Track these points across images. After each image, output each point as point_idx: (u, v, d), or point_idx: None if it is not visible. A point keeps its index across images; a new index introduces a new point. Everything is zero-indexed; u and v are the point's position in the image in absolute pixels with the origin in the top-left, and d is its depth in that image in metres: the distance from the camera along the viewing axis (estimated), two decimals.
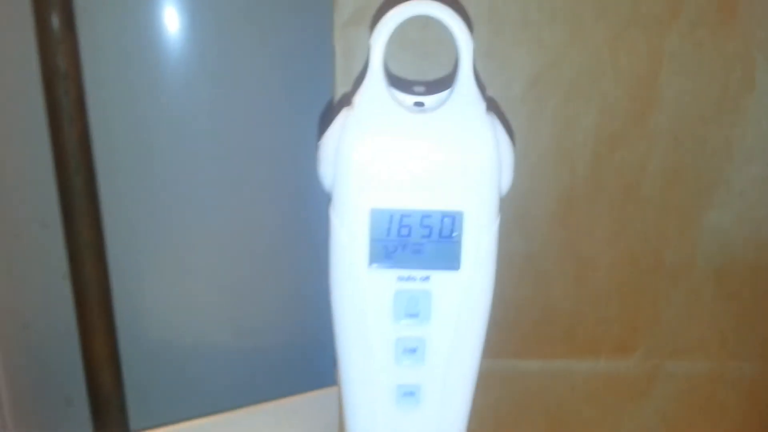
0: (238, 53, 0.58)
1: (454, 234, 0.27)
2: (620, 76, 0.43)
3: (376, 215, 0.27)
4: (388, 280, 0.27)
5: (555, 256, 0.46)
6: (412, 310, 0.28)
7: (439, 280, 0.27)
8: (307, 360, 0.65)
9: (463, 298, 0.28)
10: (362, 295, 0.27)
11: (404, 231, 0.27)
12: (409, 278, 0.27)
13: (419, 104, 0.27)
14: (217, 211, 0.61)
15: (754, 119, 0.44)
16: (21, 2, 0.52)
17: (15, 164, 0.59)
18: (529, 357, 0.47)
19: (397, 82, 0.27)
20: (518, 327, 0.47)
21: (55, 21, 0.52)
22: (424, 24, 0.32)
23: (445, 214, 0.27)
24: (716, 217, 0.46)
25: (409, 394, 0.28)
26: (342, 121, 0.26)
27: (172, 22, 0.56)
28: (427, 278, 0.27)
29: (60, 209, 0.57)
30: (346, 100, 0.26)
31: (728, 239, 0.46)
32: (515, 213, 0.44)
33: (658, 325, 0.47)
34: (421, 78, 0.35)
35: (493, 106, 0.27)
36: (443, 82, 0.26)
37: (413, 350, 0.28)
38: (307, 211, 0.60)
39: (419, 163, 0.26)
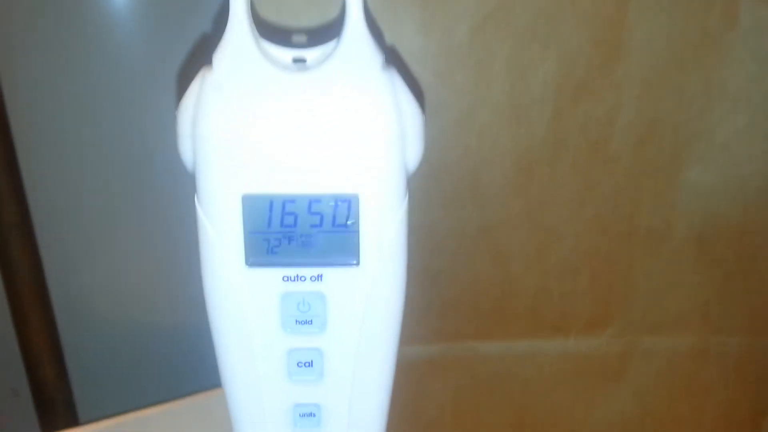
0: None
1: (350, 222, 0.22)
2: (582, 18, 0.37)
3: (251, 203, 0.21)
4: (272, 281, 0.22)
5: (514, 228, 0.40)
6: (304, 316, 0.22)
7: (335, 278, 0.22)
8: None
9: (365, 300, 0.22)
10: (241, 302, 0.22)
11: (288, 220, 0.21)
12: (297, 278, 0.22)
13: (300, 60, 0.21)
14: (145, 188, 0.56)
15: (737, 61, 0.38)
16: None
17: None
18: (489, 338, 0.43)
19: (271, 33, 0.21)
20: (476, 306, 0.42)
21: None
22: None
23: (337, 198, 0.21)
24: (696, 175, 0.40)
25: (307, 415, 0.23)
26: (199, 85, 0.21)
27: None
28: (319, 277, 0.22)
29: None
30: (206, 58, 0.20)
31: (710, 199, 0.41)
32: (466, 181, 0.39)
33: (633, 298, 0.42)
34: (305, 26, 0.29)
35: (393, 60, 0.21)
36: (330, 31, 0.21)
37: (309, 363, 0.22)
38: None
39: (300, 136, 0.21)
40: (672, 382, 0.44)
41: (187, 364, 0.61)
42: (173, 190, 0.54)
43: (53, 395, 0.61)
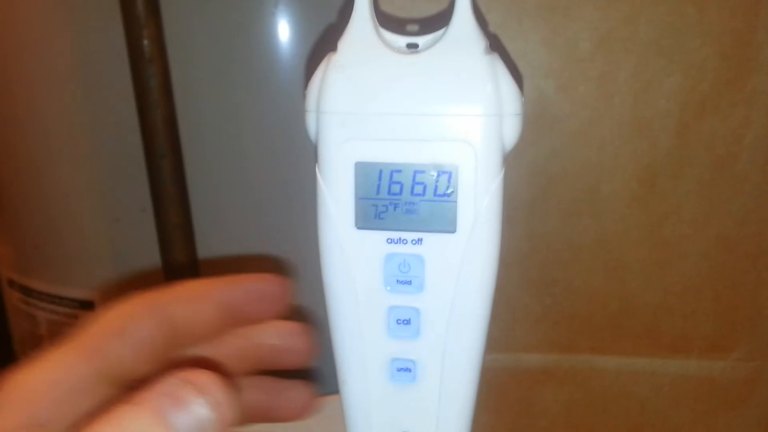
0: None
1: (449, 192, 0.24)
2: (709, 32, 0.37)
3: (362, 170, 0.24)
4: (377, 243, 0.24)
5: (632, 242, 0.41)
6: (405, 276, 0.25)
7: (433, 243, 0.24)
8: None
9: (460, 265, 0.24)
10: (350, 260, 0.25)
11: (395, 188, 0.24)
12: (399, 241, 0.24)
13: (412, 45, 0.24)
14: (301, 196, 0.60)
15: None
16: None
17: (117, 149, 0.62)
18: (605, 353, 0.43)
19: (388, 22, 0.24)
20: (592, 319, 0.42)
21: (140, 5, 0.54)
22: None
23: (439, 169, 0.24)
24: None
25: (404, 369, 0.25)
26: (324, 67, 0.24)
27: (256, 4, 0.56)
28: (419, 241, 0.24)
29: (150, 193, 0.59)
30: (331, 45, 0.24)
31: None
32: (585, 192, 0.40)
33: (761, 321, 0.41)
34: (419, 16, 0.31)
35: (496, 46, 0.24)
36: (440, 20, 0.23)
37: (407, 321, 0.25)
38: None
39: (410, 111, 0.23)
40: None
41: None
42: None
43: None
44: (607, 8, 0.37)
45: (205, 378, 0.21)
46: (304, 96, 0.25)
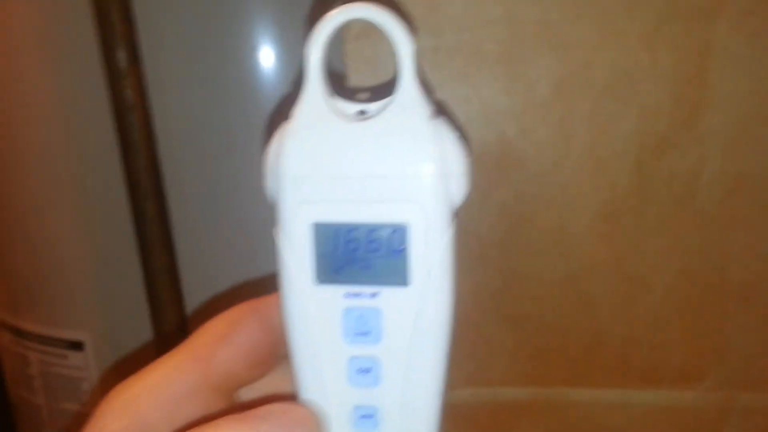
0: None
1: (401, 248, 0.25)
2: (661, 76, 0.39)
3: (320, 230, 0.25)
4: (336, 297, 0.26)
5: (600, 277, 0.42)
6: (363, 328, 0.26)
7: (389, 296, 0.26)
8: None
9: (414, 315, 0.25)
10: (311, 314, 0.26)
11: (352, 246, 0.25)
12: (357, 295, 0.26)
13: (362, 112, 0.26)
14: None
15: None
16: (88, 39, 0.55)
17: (103, 193, 0.63)
18: (579, 385, 0.44)
19: (341, 90, 0.26)
20: (565, 353, 0.43)
21: (121, 56, 0.55)
22: None
23: (392, 227, 0.25)
24: None
25: (366, 416, 0.26)
26: (280, 134, 0.26)
27: (234, 51, 0.58)
28: (375, 295, 0.26)
29: (134, 235, 0.60)
30: (286, 113, 0.25)
31: None
32: (551, 230, 0.41)
33: (728, 351, 0.42)
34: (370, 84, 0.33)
35: (442, 111, 0.25)
36: (389, 87, 0.25)
37: (367, 370, 0.26)
38: None
39: (362, 174, 0.25)
40: None
41: None
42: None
43: None
44: (563, 56, 0.39)
45: (312, 424, 0.23)
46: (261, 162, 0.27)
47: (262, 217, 0.61)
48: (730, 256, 0.41)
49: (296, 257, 0.26)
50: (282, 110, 0.25)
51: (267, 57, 0.58)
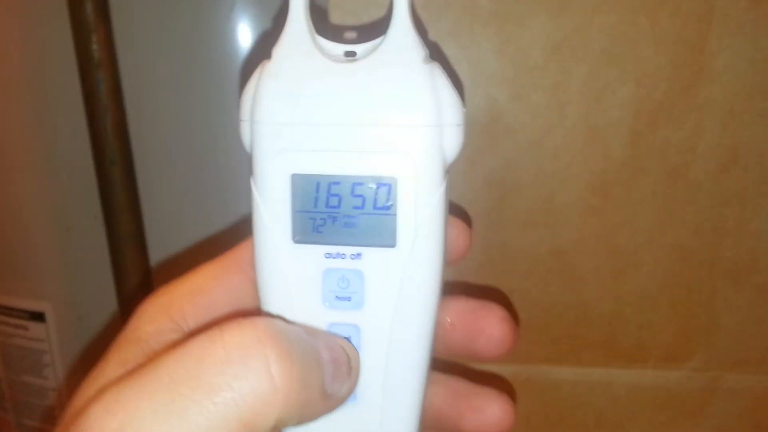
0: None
1: (389, 204, 0.23)
2: (661, 41, 0.37)
3: (299, 182, 0.23)
4: (315, 257, 0.24)
5: (588, 251, 0.40)
6: (343, 292, 0.24)
7: (373, 258, 0.23)
8: None
9: (400, 280, 0.23)
10: (288, 275, 0.24)
11: (333, 201, 0.23)
12: (338, 255, 0.23)
13: (350, 53, 0.23)
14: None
15: None
16: None
17: (67, 156, 0.60)
18: (562, 364, 0.42)
19: (327, 30, 0.23)
20: (548, 330, 0.42)
21: (89, 9, 0.52)
22: None
23: (378, 182, 0.23)
24: None
25: None
26: (258, 75, 0.23)
27: (207, 7, 0.55)
28: (358, 255, 0.23)
29: (100, 200, 0.57)
30: (267, 52, 0.23)
31: None
32: (539, 202, 0.39)
33: (717, 331, 0.41)
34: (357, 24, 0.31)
35: (437, 55, 0.23)
36: (379, 28, 0.22)
37: (346, 339, 0.24)
38: None
39: (347, 121, 0.23)
40: (756, 423, 0.41)
41: None
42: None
43: None
44: (560, 17, 0.37)
45: (356, 362, 0.22)
46: (237, 105, 0.24)
47: (232, 183, 0.58)
48: (723, 232, 0.40)
49: (272, 213, 0.23)
50: (261, 49, 0.22)
51: (241, 16, 0.55)
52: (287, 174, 0.23)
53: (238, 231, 0.58)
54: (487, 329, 0.25)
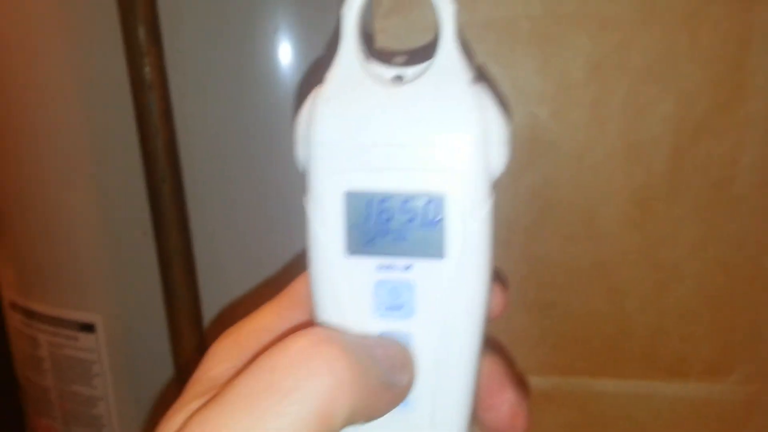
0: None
1: (438, 219, 0.24)
2: (701, 59, 0.37)
3: (352, 199, 0.24)
4: (368, 269, 0.25)
5: (630, 265, 0.41)
6: (395, 302, 0.25)
7: (423, 269, 0.24)
8: None
9: (449, 290, 0.24)
10: (341, 287, 0.25)
11: (384, 216, 0.24)
12: (390, 267, 0.25)
13: (398, 77, 0.25)
14: (300, 221, 0.60)
15: None
16: (109, 17, 0.55)
17: (119, 174, 0.63)
18: (603, 376, 0.43)
19: (377, 54, 0.25)
20: (590, 342, 0.42)
21: (141, 33, 0.54)
22: None
23: (428, 197, 0.24)
24: None
25: None
26: (312, 99, 0.25)
27: (254, 31, 0.57)
28: (409, 267, 0.25)
29: (150, 216, 0.59)
30: (320, 76, 0.24)
31: None
32: (580, 216, 0.40)
33: (759, 344, 0.41)
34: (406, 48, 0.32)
35: (483, 76, 0.24)
36: (427, 52, 0.24)
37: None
38: None
39: (397, 141, 0.24)
40: None
41: None
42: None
43: None
44: (600, 36, 0.37)
45: (409, 355, 0.24)
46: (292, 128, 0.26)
47: (279, 198, 0.60)
48: (765, 245, 0.40)
49: (327, 227, 0.25)
50: (314, 74, 0.24)
51: (287, 39, 0.57)
52: (341, 192, 0.24)
53: (284, 247, 0.60)
54: (496, 410, 0.27)
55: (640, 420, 0.43)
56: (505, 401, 0.27)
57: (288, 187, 0.59)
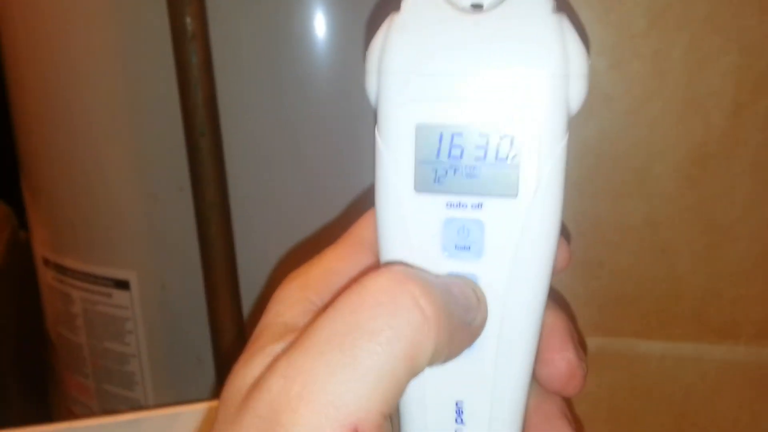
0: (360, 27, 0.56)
1: (512, 155, 0.23)
2: (766, 10, 0.36)
3: (423, 132, 0.24)
4: (437, 207, 0.24)
5: (683, 224, 0.40)
6: (463, 242, 0.24)
7: (494, 208, 0.24)
8: None
9: (521, 231, 0.24)
10: (408, 224, 0.24)
11: (455, 152, 0.24)
12: (459, 205, 0.24)
13: (477, 5, 0.24)
14: (335, 177, 0.60)
15: None
16: None
17: (156, 128, 0.62)
18: (650, 338, 0.42)
19: None
20: (638, 303, 0.42)
21: None
22: None
23: (501, 133, 0.23)
24: None
25: None
26: (387, 26, 0.24)
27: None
28: (479, 206, 0.24)
29: (189, 171, 0.59)
30: (395, 4, 0.24)
31: None
32: (634, 173, 0.39)
33: None
34: None
35: (564, 7, 0.23)
36: None
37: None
38: None
39: (474, 72, 0.23)
40: None
41: None
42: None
43: (230, 363, 0.65)
44: None
45: (481, 293, 0.24)
46: (363, 58, 0.25)
47: (316, 153, 0.59)
48: None
49: (395, 162, 0.24)
50: (389, 2, 0.23)
51: (327, 22, 0.56)
52: (412, 124, 0.24)
53: (321, 202, 0.60)
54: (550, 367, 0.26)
55: (686, 383, 0.42)
56: (564, 358, 0.26)
57: (325, 142, 0.59)
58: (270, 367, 0.21)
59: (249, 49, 0.58)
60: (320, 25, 0.57)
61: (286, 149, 0.60)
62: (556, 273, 0.25)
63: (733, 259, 0.40)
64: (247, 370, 0.22)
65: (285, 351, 0.21)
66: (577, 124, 0.38)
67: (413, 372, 0.20)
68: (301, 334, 0.21)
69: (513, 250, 0.24)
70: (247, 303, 0.64)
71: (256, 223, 0.62)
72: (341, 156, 0.59)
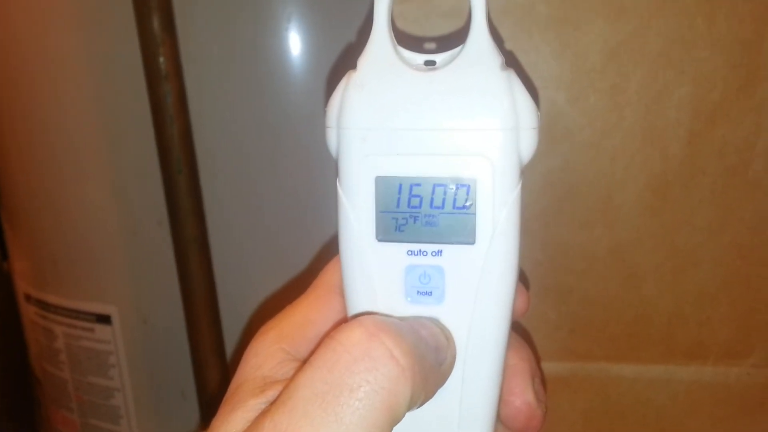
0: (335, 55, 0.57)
1: (468, 204, 0.24)
2: (717, 43, 0.38)
3: (383, 184, 0.25)
4: (398, 254, 0.25)
5: (647, 250, 0.41)
6: (425, 287, 0.25)
7: (453, 254, 0.25)
8: None
9: (480, 275, 0.25)
10: (371, 272, 0.25)
11: (414, 201, 0.25)
12: (420, 252, 0.25)
13: (430, 63, 0.25)
14: (314, 209, 0.61)
15: None
16: (124, 7, 0.55)
17: (134, 164, 0.63)
18: (621, 361, 0.43)
19: (407, 40, 0.25)
20: (607, 327, 0.42)
21: (156, 23, 0.55)
22: None
23: (458, 183, 0.24)
24: None
25: None
26: (344, 84, 0.25)
27: (269, 22, 0.57)
28: (439, 252, 0.25)
29: (166, 206, 0.60)
30: (350, 64, 0.25)
31: None
32: (597, 201, 0.40)
33: None
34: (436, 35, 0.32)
35: (511, 62, 0.24)
36: (457, 38, 0.24)
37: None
38: None
39: (429, 126, 0.24)
40: None
41: None
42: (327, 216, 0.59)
43: (214, 397, 0.66)
44: (617, 22, 0.38)
45: (448, 332, 0.24)
46: (324, 113, 0.26)
47: (294, 188, 0.60)
48: None
49: (357, 213, 0.25)
50: (345, 61, 0.24)
51: (301, 28, 0.57)
52: (372, 176, 0.25)
53: (300, 236, 0.60)
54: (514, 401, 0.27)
55: (657, 404, 0.43)
56: (525, 401, 0.27)
57: (303, 176, 0.59)
58: (256, 425, 0.21)
59: (225, 83, 0.59)
60: (297, 57, 0.58)
61: (265, 182, 0.61)
62: (516, 317, 0.26)
63: (697, 283, 0.41)
64: (229, 426, 0.23)
65: (268, 410, 0.21)
66: (541, 157, 0.39)
67: (394, 420, 0.21)
68: (282, 393, 0.22)
69: (473, 294, 0.25)
70: (230, 337, 0.64)
71: (237, 257, 0.63)
72: (325, 190, 0.60)
